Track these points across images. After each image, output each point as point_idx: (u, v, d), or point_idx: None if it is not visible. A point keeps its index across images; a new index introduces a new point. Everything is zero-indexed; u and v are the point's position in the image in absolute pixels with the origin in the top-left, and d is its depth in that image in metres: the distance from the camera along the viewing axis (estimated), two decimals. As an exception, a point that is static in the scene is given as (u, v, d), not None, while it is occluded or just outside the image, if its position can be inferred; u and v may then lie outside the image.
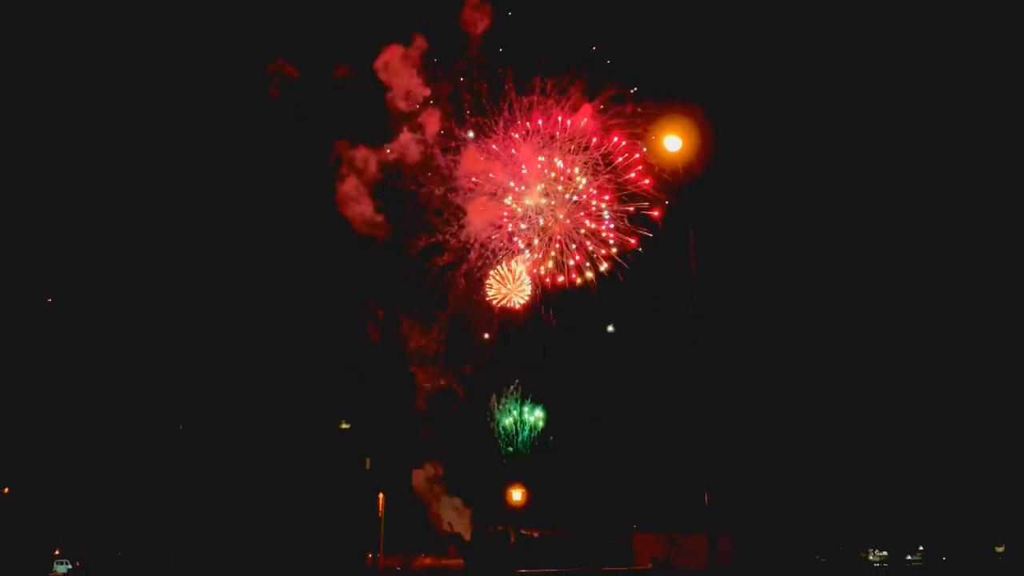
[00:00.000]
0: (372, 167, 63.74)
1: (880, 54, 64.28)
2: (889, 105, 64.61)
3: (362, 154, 63.67)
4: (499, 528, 62.27)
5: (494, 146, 63.50)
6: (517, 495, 60.28)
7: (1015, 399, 62.51)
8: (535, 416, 68.56)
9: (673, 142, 38.88)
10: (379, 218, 63.31)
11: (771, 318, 65.43)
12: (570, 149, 63.54)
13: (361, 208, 63.15)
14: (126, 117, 64.30)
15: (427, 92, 62.49)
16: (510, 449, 67.73)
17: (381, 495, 59.24)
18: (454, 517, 64.58)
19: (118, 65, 63.74)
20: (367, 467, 64.69)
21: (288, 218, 63.93)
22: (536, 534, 64.75)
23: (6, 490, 63.45)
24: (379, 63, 61.98)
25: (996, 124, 62.94)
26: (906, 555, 68.70)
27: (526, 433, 68.32)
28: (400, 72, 62.06)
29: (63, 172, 64.38)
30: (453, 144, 63.94)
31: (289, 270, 64.97)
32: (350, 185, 63.43)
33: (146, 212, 65.07)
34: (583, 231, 64.16)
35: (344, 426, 66.20)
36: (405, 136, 63.28)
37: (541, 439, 68.23)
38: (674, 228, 59.92)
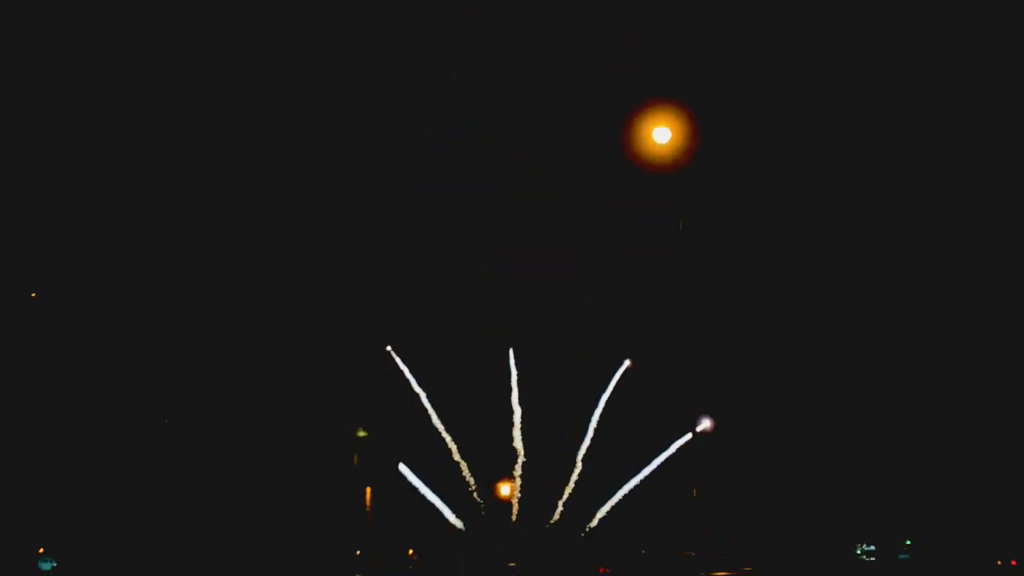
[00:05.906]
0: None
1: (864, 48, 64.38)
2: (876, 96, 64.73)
3: None
4: None
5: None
6: (505, 489, 59.98)
7: (1001, 397, 62.62)
8: None
9: (662, 133, 38.38)
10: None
11: (757, 316, 65.38)
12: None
13: None
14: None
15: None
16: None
17: (368, 490, 58.87)
18: None
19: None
20: (355, 463, 64.21)
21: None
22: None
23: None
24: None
25: (992, 104, 63.23)
26: (895, 549, 68.81)
27: None
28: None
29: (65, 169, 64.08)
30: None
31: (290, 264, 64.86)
32: None
33: (145, 206, 64.71)
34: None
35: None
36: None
37: None
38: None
